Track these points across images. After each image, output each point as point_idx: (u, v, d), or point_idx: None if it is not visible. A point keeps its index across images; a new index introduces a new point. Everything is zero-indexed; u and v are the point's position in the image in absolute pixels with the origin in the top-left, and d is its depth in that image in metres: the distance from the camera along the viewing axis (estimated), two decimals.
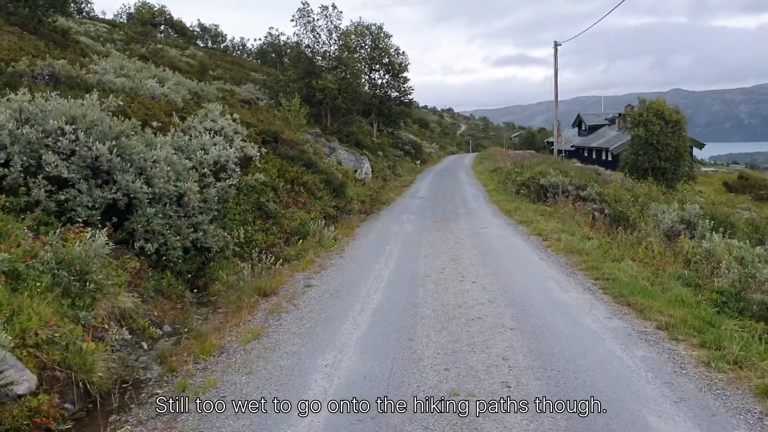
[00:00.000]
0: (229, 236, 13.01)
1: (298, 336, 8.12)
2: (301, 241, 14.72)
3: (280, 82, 41.24)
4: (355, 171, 29.82)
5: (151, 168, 11.24)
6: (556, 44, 42.95)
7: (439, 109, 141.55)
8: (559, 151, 46.30)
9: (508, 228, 17.33)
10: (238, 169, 14.70)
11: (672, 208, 17.77)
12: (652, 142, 37.62)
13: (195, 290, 11.40)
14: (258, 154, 16.20)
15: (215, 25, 77.66)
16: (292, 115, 25.78)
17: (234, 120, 17.19)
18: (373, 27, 48.48)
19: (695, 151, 56.08)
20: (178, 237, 11.29)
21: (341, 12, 41.64)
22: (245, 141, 16.33)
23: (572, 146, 63.81)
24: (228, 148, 14.73)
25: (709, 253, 12.79)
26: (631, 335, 7.85)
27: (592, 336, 7.84)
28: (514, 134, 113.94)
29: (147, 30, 53.51)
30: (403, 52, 49.59)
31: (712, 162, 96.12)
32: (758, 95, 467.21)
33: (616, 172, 44.77)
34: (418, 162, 52.40)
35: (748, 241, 14.43)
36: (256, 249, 13.42)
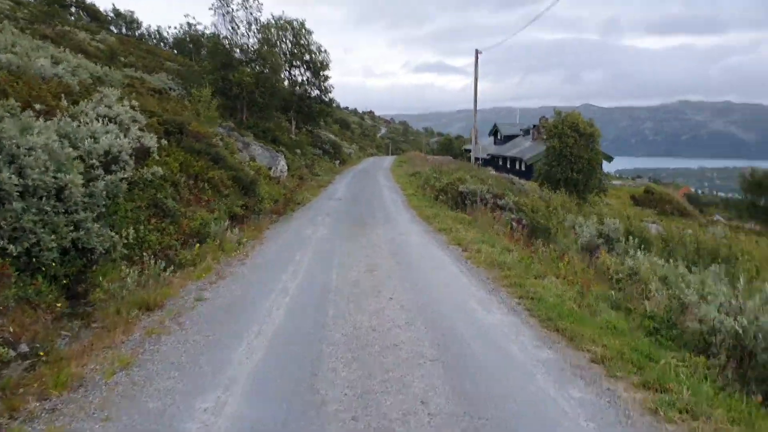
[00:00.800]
0: (117, 236, 11.26)
1: (176, 367, 6.59)
2: (199, 244, 13.08)
3: (195, 73, 38.94)
4: (270, 168, 28.13)
5: (25, 156, 9.44)
6: (477, 52, 42.59)
7: (360, 111, 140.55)
8: (476, 159, 46.01)
9: (427, 236, 16.19)
10: (132, 162, 12.93)
11: (590, 221, 17.19)
12: (566, 153, 37.66)
13: (72, 298, 9.64)
14: (157, 145, 14.39)
15: (130, 11, 73.62)
16: (203, 107, 23.87)
17: (132, 107, 15.30)
18: (295, 22, 46.75)
19: (604, 164, 57.23)
20: (54, 236, 9.51)
21: (261, 3, 39.82)
22: (144, 131, 14.48)
23: (488, 154, 64.06)
24: (122, 137, 12.92)
25: (633, 272, 12.06)
26: (564, 370, 6.76)
27: (521, 371, 6.71)
28: (433, 139, 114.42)
29: (54, 10, 49.76)
30: (325, 50, 48.13)
31: (618, 175, 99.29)
32: (663, 113, 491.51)
33: (530, 182, 44.92)
34: (337, 162, 50.98)
35: (671, 260, 13.88)
36: (149, 251, 11.74)
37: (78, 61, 22.83)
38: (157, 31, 75.35)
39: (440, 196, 24.93)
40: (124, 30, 71.04)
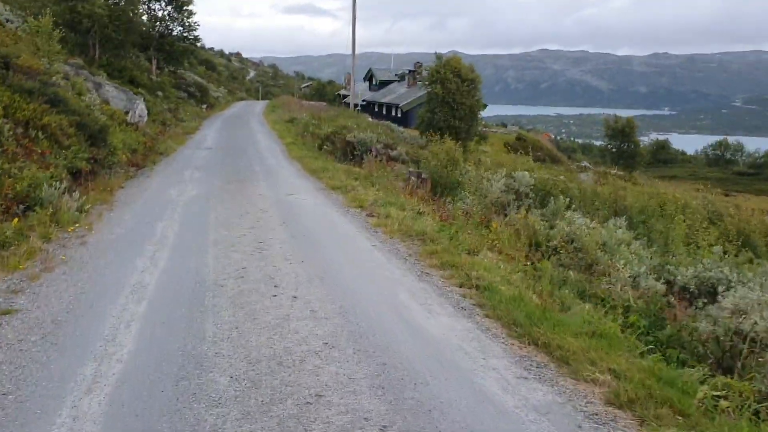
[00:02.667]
0: None
1: None
2: (23, 214, 9.75)
3: (37, 2, 33.06)
4: (127, 113, 24.05)
5: None
6: None
7: (227, 53, 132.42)
8: (355, 105, 43.49)
9: (319, 195, 13.54)
10: None
11: (499, 175, 15.33)
12: (448, 100, 35.96)
13: None
14: None
15: None
16: (42, 39, 19.46)
17: None
18: None
19: None
20: None
21: None
22: None
23: (363, 101, 61.64)
24: None
25: (570, 239, 10.20)
26: (582, 429, 4.35)
27: None
28: (304, 84, 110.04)
29: None
30: None
31: (485, 123, 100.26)
32: (524, 62, 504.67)
33: (408, 129, 43.10)
34: (204, 106, 46.46)
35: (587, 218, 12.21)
36: None
37: None
38: None
39: (325, 146, 22.23)
40: None
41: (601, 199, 18.09)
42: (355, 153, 20.83)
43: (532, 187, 14.92)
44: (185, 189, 13.67)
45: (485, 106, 55.42)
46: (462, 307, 6.56)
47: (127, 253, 8.15)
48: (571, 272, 8.37)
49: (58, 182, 10.83)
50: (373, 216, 11.32)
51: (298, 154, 21.82)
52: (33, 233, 8.73)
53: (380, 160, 19.00)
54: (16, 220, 8.71)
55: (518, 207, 14.20)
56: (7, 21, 31.89)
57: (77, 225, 9.53)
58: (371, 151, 19.78)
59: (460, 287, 7.25)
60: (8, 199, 10.29)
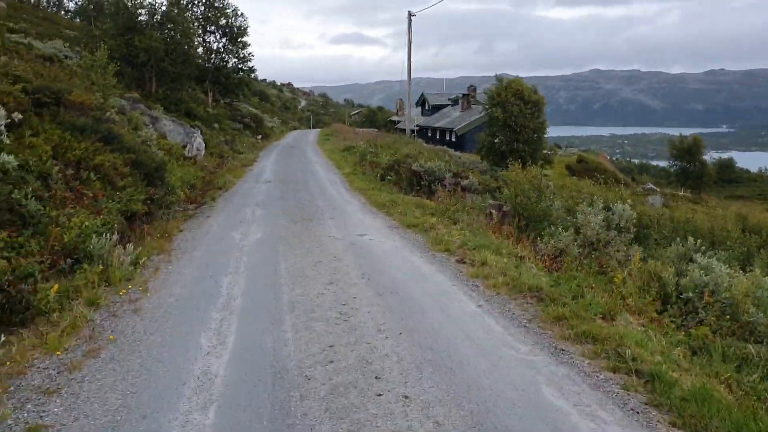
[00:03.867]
0: None
1: None
2: (73, 269, 8.44)
3: (95, 39, 32.85)
4: (184, 146, 23.08)
5: None
6: (409, 14, 38.32)
7: (279, 83, 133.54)
8: (412, 131, 42.08)
9: (395, 236, 11.92)
10: None
11: (597, 208, 13.47)
12: (510, 123, 34.12)
13: None
14: (7, 120, 9.46)
15: None
16: (97, 73, 18.62)
17: None
18: None
19: None
20: None
21: None
22: None
23: (417, 125, 60.27)
24: None
25: (711, 290, 8.30)
26: None
27: None
28: (354, 111, 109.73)
29: None
30: (242, 13, 42.43)
31: (550, 145, 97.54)
32: (575, 82, 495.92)
33: (465, 153, 41.40)
34: (260, 137, 45.71)
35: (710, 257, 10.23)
36: None
37: None
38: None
39: (388, 176, 20.71)
40: None
41: (695, 228, 16.04)
42: (422, 183, 19.25)
43: (634, 221, 13.04)
44: (248, 231, 12.24)
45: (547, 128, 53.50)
46: (632, 410, 4.76)
47: (189, 324, 6.62)
48: (747, 345, 6.46)
49: (109, 232, 9.52)
50: (465, 262, 9.61)
51: (360, 185, 20.36)
52: (79, 297, 7.34)
53: (452, 191, 17.36)
54: (56, 286, 7.30)
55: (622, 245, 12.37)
56: (66, 57, 31.75)
57: (131, 284, 8.09)
58: (442, 181, 18.14)
59: (614, 373, 5.46)
60: (54, 252, 9.02)
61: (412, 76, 39.70)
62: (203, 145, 25.45)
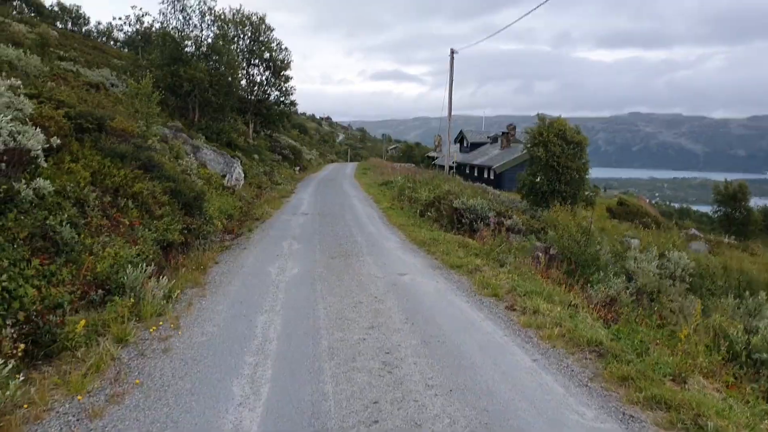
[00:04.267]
0: None
1: None
2: (104, 301, 8.04)
3: (141, 68, 33.36)
4: (224, 176, 22.94)
5: None
6: (452, 51, 38.12)
7: (318, 117, 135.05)
8: (450, 167, 41.58)
9: (438, 276, 11.32)
10: None
11: (651, 254, 12.71)
12: (552, 163, 33.41)
13: None
14: (47, 145, 9.18)
15: (77, 6, 66.96)
16: (141, 101, 18.61)
17: (13, 88, 10.04)
18: (254, 17, 41.43)
19: None
20: None
21: None
22: (26, 123, 9.28)
23: (454, 162, 59.87)
24: None
25: None
26: None
27: None
28: (391, 146, 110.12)
29: None
30: (286, 48, 42.84)
31: (594, 187, 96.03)
32: (615, 125, 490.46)
33: (504, 192, 40.72)
34: (298, 169, 45.75)
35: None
36: (16, 317, 6.83)
37: None
38: (107, 28, 68.89)
39: (428, 213, 20.16)
40: (69, 25, 64.58)
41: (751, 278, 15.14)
42: (464, 221, 18.65)
43: (691, 270, 12.26)
44: (285, 265, 11.77)
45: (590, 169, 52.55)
46: None
47: (220, 369, 6.11)
48: None
49: (144, 263, 9.13)
50: (515, 310, 8.96)
51: (399, 221, 19.85)
52: (107, 333, 6.90)
53: (496, 231, 16.71)
54: (83, 321, 6.87)
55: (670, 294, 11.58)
56: (112, 85, 32.28)
57: (162, 320, 7.64)
58: (485, 220, 17.52)
59: None
60: (86, 282, 8.66)
61: (454, 113, 39.39)
62: (242, 175, 25.32)
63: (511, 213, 19.04)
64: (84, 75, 30.36)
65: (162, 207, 12.39)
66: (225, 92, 33.06)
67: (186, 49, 33.09)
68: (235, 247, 13.94)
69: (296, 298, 9.22)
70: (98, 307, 8.31)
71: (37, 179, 8.50)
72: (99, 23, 73.81)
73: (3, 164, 8.18)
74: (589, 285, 12.05)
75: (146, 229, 11.17)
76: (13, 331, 7.12)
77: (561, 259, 13.86)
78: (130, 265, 8.87)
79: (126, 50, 59.93)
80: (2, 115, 8.22)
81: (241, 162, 27.37)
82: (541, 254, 14.02)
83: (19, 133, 8.41)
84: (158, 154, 15.30)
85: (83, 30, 67.24)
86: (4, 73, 12.62)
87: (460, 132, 66.59)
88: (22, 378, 5.26)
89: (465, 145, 64.79)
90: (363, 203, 25.67)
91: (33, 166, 8.87)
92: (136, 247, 10.18)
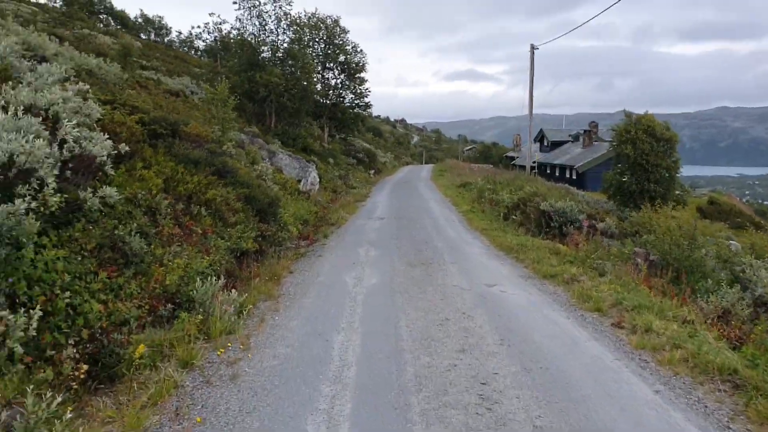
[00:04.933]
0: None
1: None
2: (174, 315, 7.49)
3: (218, 74, 33.62)
4: (299, 181, 22.53)
5: None
6: (532, 47, 36.64)
7: (392, 120, 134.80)
8: (532, 167, 40.01)
9: (530, 287, 10.27)
10: (52, 180, 7.40)
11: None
12: (641, 161, 31.41)
13: None
14: (112, 152, 8.70)
15: (159, 17, 69.12)
16: (217, 107, 18.38)
17: (83, 94, 9.68)
18: (329, 20, 41.21)
19: None
20: None
21: None
22: (93, 129, 8.85)
23: (534, 162, 57.97)
24: (40, 138, 7.40)
25: None
26: None
27: None
28: (467, 147, 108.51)
29: (73, 11, 45.17)
30: (361, 50, 42.38)
31: (685, 186, 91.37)
32: (700, 120, 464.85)
33: (587, 192, 38.85)
34: (372, 172, 45.23)
35: None
36: (80, 335, 6.40)
37: (58, 49, 17.54)
38: (189, 38, 70.84)
39: (513, 216, 19.01)
40: (152, 36, 66.70)
41: None
42: (552, 225, 17.41)
43: None
44: (362, 274, 11.01)
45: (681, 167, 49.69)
46: None
47: (294, 401, 5.32)
48: None
49: (215, 276, 8.54)
50: (623, 327, 7.82)
51: (480, 225, 18.79)
52: (172, 355, 6.28)
53: (589, 236, 15.43)
54: (141, 347, 6.26)
55: None
56: (192, 93, 32.64)
57: (231, 339, 6.98)
58: (575, 223, 16.24)
59: None
60: (155, 296, 8.13)
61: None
62: (317, 179, 24.88)
63: (603, 215, 17.65)
64: (164, 83, 30.80)
65: (236, 214, 11.87)
66: (300, 97, 32.85)
67: (262, 54, 33.11)
68: (310, 255, 13.30)
69: (375, 312, 8.39)
70: (166, 322, 7.76)
71: (104, 187, 8.05)
72: (179, 33, 75.86)
73: (68, 172, 7.76)
74: (697, 295, 10.69)
75: (219, 238, 10.64)
76: (75, 350, 6.63)
77: (662, 265, 12.49)
78: (200, 278, 8.30)
79: (206, 59, 61.30)
80: (66, 121, 7.78)
81: (316, 166, 26.97)
82: (640, 261, 12.69)
83: (84, 139, 7.97)
84: (233, 160, 14.89)
85: (165, 40, 69.33)
86: (81, 81, 12.42)
87: (540, 131, 64.48)
88: (70, 415, 4.60)
89: (545, 144, 62.70)
90: (441, 206, 24.73)
91: (100, 173, 8.44)
92: (209, 257, 9.64)
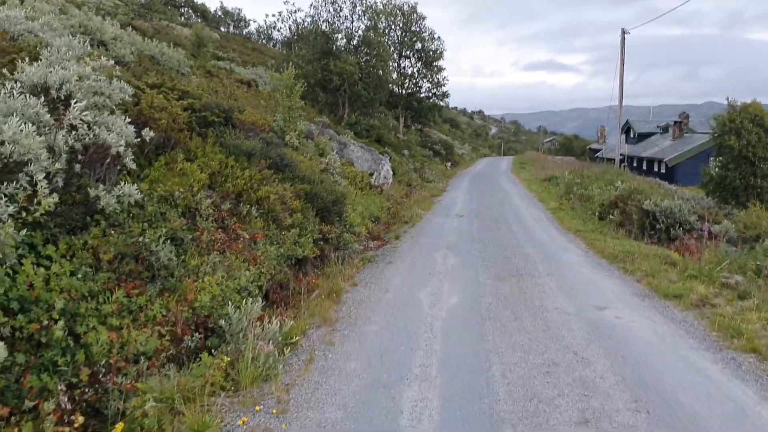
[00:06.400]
0: None
1: None
2: (205, 345, 5.80)
3: (291, 63, 32.27)
4: (371, 174, 20.70)
5: None
6: (623, 32, 33.48)
7: (469, 111, 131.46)
8: (621, 161, 36.84)
9: (651, 311, 7.94)
10: (59, 175, 5.82)
11: None
12: (747, 154, 27.88)
13: None
14: (135, 141, 6.97)
15: (238, 9, 69.26)
16: (282, 94, 16.72)
17: (110, 72, 8.05)
18: (406, 7, 39.19)
19: None
20: None
21: None
22: (114, 113, 7.17)
23: (620, 154, 54.20)
24: (40, 124, 5.82)
25: None
26: None
27: None
28: (547, 139, 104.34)
29: (151, 3, 45.11)
30: (439, 37, 40.14)
31: None
32: None
33: (680, 187, 35.39)
34: (449, 164, 42.98)
35: None
36: (77, 375, 4.82)
37: (117, 33, 16.37)
38: (267, 29, 70.71)
39: (611, 215, 16.51)
40: (231, 28, 66.83)
41: None
42: (657, 227, 14.88)
43: None
44: (440, 290, 9.01)
45: None
46: None
47: None
48: None
49: (258, 292, 6.79)
50: None
51: (573, 225, 16.43)
52: (183, 418, 4.53)
53: (703, 240, 12.86)
54: (120, 426, 4.52)
55: None
56: (265, 83, 31.42)
57: (265, 392, 5.12)
58: (687, 225, 13.66)
59: None
60: (182, 320, 6.45)
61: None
62: (391, 173, 23.00)
63: (718, 217, 14.96)
64: (237, 72, 29.73)
65: (293, 214, 10.09)
66: (375, 86, 31.06)
67: (336, 42, 31.52)
68: (379, 260, 11.42)
69: (458, 351, 6.37)
70: (193, 357, 6.06)
71: (121, 184, 6.41)
72: (254, 21, 75.83)
73: (77, 165, 6.16)
74: None
75: (270, 244, 8.89)
76: (66, 399, 5.03)
77: None
78: (234, 301, 6.52)
79: (282, 49, 60.67)
80: (74, 102, 6.16)
81: (390, 158, 25.12)
82: None
83: (99, 125, 6.35)
84: (295, 152, 13.19)
85: (243, 32, 69.40)
86: (102, 57, 11.01)
87: (627, 122, 60.28)
88: None
89: (632, 136, 58.58)
90: (526, 202, 22.38)
91: (120, 167, 6.82)
92: (254, 268, 7.89)
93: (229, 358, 5.47)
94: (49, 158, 5.85)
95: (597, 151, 61.42)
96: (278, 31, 52.59)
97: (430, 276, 10.03)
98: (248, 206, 9.26)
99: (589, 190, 21.85)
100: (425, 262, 11.18)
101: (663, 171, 47.29)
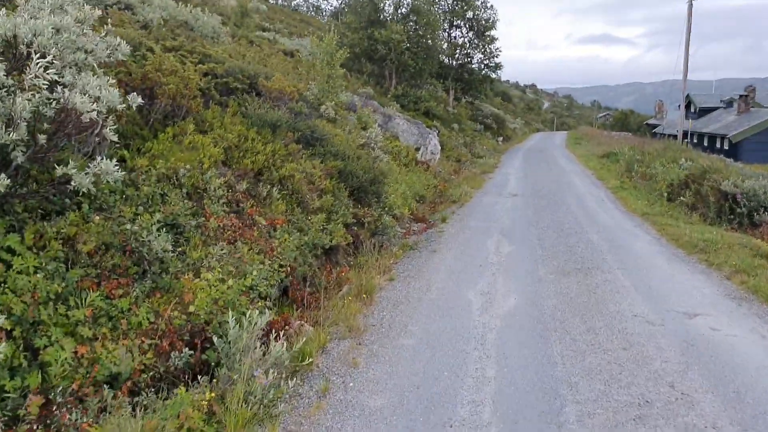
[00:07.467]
0: None
1: None
2: (198, 366, 4.51)
3: (335, 29, 30.75)
4: (417, 149, 19.16)
5: None
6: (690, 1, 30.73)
7: (522, 85, 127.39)
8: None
9: (755, 320, 6.22)
10: (19, 148, 4.58)
11: None
12: None
13: None
14: (119, 105, 5.57)
15: None
16: (322, 62, 15.26)
17: (99, 22, 6.71)
18: None
19: None
20: None
21: None
22: (95, 74, 5.85)
23: (682, 131, 51.01)
24: None
25: None
26: None
27: None
28: (601, 114, 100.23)
29: None
30: (491, 5, 37.84)
31: None
32: None
33: (744, 165, 32.68)
34: (501, 139, 40.87)
35: None
36: (24, 406, 3.52)
37: (163, 3, 15.28)
38: (316, 1, 69.15)
39: (681, 196, 14.57)
40: (280, 0, 65.66)
41: None
42: (738, 212, 12.95)
43: None
44: (493, 288, 7.51)
45: None
46: None
47: None
48: None
49: (263, 297, 5.47)
50: None
51: (639, 207, 14.59)
52: None
53: None
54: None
55: None
56: (309, 54, 30.01)
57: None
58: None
59: None
60: (172, 329, 5.17)
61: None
62: (438, 147, 21.36)
63: None
64: (280, 43, 28.43)
65: (322, 196, 8.72)
66: (424, 56, 29.25)
67: (384, 10, 29.78)
68: (422, 248, 9.96)
69: (519, 382, 4.86)
70: (182, 378, 4.77)
71: (98, 160, 5.10)
72: None
73: (42, 136, 4.89)
74: None
75: (291, 231, 7.52)
76: None
77: None
78: (235, 309, 5.21)
79: (329, 21, 59.10)
80: (37, 56, 4.86)
81: (438, 132, 23.46)
82: None
83: (69, 87, 5.06)
84: (330, 124, 11.77)
85: (292, 4, 68.23)
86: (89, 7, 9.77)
87: (687, 96, 56.75)
88: None
89: (692, 110, 55.06)
90: (584, 180, 20.47)
91: (100, 138, 5.52)
92: (268, 262, 6.55)
93: (213, 394, 4.12)
94: (1, 127, 4.59)
95: (655, 126, 58.16)
96: (326, 0, 50.94)
97: (480, 269, 8.52)
98: (269, 186, 7.91)
99: (652, 167, 19.80)
100: (475, 251, 9.67)
101: (726, 147, 44.37)
